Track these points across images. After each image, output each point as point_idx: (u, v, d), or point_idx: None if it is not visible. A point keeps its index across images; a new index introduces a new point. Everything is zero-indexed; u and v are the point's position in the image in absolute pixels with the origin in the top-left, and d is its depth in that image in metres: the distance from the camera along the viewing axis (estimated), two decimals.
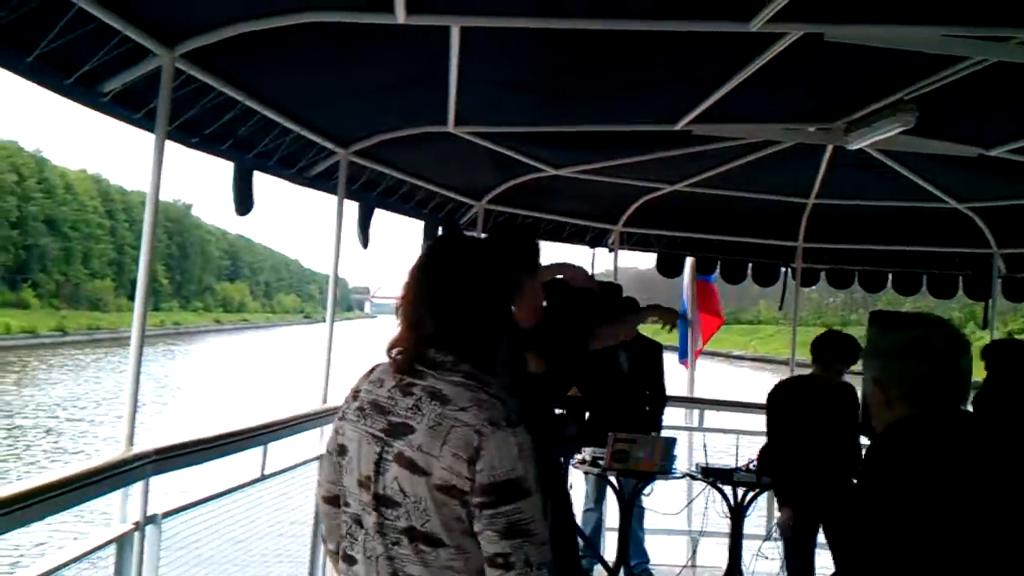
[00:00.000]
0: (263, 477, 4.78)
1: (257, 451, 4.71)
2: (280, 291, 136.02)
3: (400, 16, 3.45)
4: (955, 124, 5.33)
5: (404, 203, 6.81)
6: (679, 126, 5.46)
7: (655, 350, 7.50)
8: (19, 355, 47.44)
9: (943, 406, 2.25)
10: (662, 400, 7.53)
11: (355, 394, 2.28)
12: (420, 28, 3.75)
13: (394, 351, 2.21)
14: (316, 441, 5.57)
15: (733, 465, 6.77)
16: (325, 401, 5.63)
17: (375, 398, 2.20)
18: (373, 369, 2.31)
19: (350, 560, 2.21)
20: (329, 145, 5.43)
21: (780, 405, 5.89)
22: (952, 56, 4.11)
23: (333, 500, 2.31)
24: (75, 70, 3.40)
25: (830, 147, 6.26)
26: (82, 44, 3.32)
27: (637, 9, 3.61)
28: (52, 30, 3.16)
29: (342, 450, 2.24)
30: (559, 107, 5.40)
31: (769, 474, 6.02)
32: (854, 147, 5.53)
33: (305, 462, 5.30)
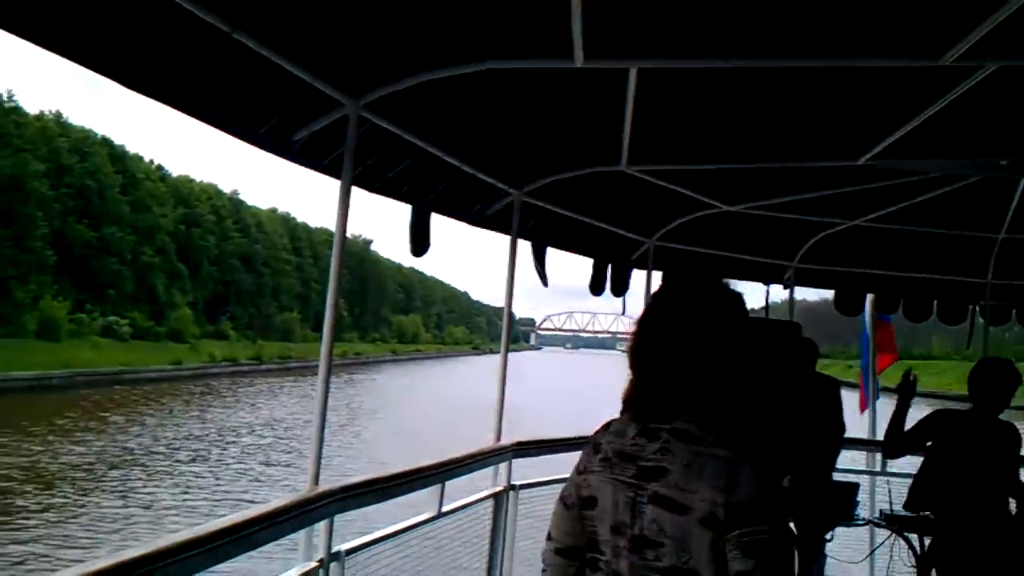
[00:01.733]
0: (440, 515, 4.86)
1: (435, 489, 4.79)
2: (450, 323, 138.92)
3: (579, 60, 3.47)
4: None
5: (575, 241, 6.83)
6: (862, 161, 5.29)
7: (833, 387, 7.29)
8: (222, 380, 52.39)
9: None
10: (840, 437, 7.31)
11: (596, 447, 2.35)
12: (596, 71, 3.77)
13: (630, 400, 2.33)
14: (490, 479, 5.63)
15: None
16: (499, 439, 5.68)
17: (620, 447, 2.28)
18: (609, 424, 2.39)
19: None
20: (503, 187, 5.51)
21: (936, 433, 5.49)
22: None
23: (567, 552, 2.40)
24: (266, 121, 3.56)
25: (1023, 181, 5.94)
26: (273, 96, 3.48)
27: (823, 48, 3.53)
28: (246, 83, 3.32)
29: (589, 502, 2.32)
30: (736, 144, 5.32)
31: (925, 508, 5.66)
32: None
33: (478, 500, 5.38)
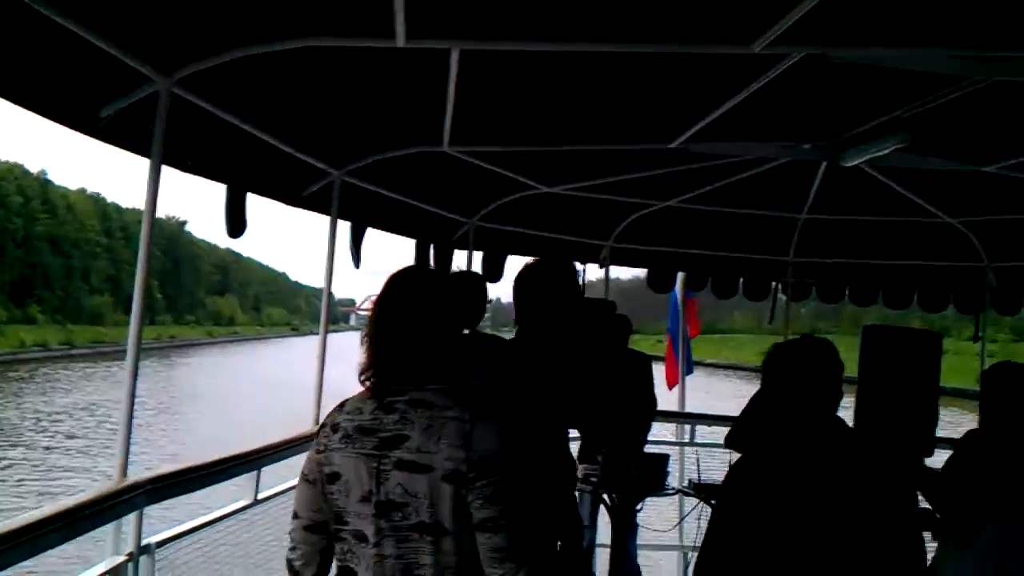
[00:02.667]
0: (256, 502, 4.73)
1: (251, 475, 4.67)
2: (269, 304, 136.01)
3: (400, 40, 3.41)
4: (950, 141, 5.33)
5: (397, 222, 6.77)
6: (675, 144, 5.45)
7: (645, 363, 7.51)
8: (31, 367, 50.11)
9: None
10: (652, 412, 7.56)
11: (334, 427, 2.51)
12: (418, 51, 3.72)
13: (363, 377, 2.53)
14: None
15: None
16: (317, 423, 5.58)
17: (359, 424, 2.46)
18: (343, 404, 2.57)
19: (349, 573, 2.48)
20: (323, 166, 5.40)
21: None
22: (950, 75, 4.10)
23: (315, 527, 2.55)
24: (71, 97, 3.35)
25: (824, 164, 6.25)
26: (78, 71, 3.28)
27: (639, 33, 3.59)
28: (48, 57, 3.12)
29: (332, 478, 2.48)
30: (555, 127, 5.37)
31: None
32: (849, 164, 5.53)
33: (292, 487, 5.25)
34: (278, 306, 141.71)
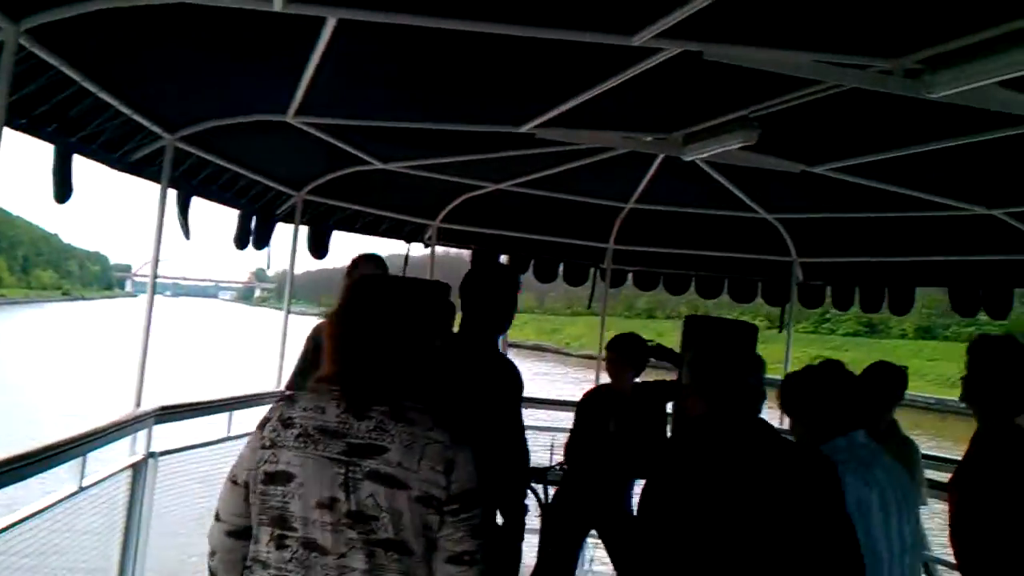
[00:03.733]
0: (81, 490, 4.41)
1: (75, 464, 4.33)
2: (38, 266, 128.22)
3: (278, 4, 3.22)
4: (786, 142, 5.54)
5: (223, 192, 6.46)
6: (523, 129, 5.43)
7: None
8: None
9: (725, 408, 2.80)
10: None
11: (286, 422, 2.37)
12: (285, 17, 3.52)
13: (325, 380, 2.43)
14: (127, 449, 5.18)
15: (546, 463, 6.84)
16: (139, 404, 5.25)
17: (323, 424, 2.34)
18: (291, 399, 2.45)
19: None
20: (156, 129, 5.07)
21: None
22: (800, 79, 4.24)
23: (239, 533, 2.41)
24: None
25: (661, 156, 6.38)
26: None
27: (524, 15, 3.52)
28: None
29: (280, 478, 2.32)
30: (410, 103, 5.24)
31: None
32: (689, 158, 5.66)
33: (113, 474, 4.93)
34: (48, 269, 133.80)
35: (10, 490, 3.64)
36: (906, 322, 45.58)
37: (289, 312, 7.66)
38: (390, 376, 2.40)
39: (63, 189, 4.49)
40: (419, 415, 2.36)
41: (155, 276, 5.60)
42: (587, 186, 7.51)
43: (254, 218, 7.08)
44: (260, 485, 2.36)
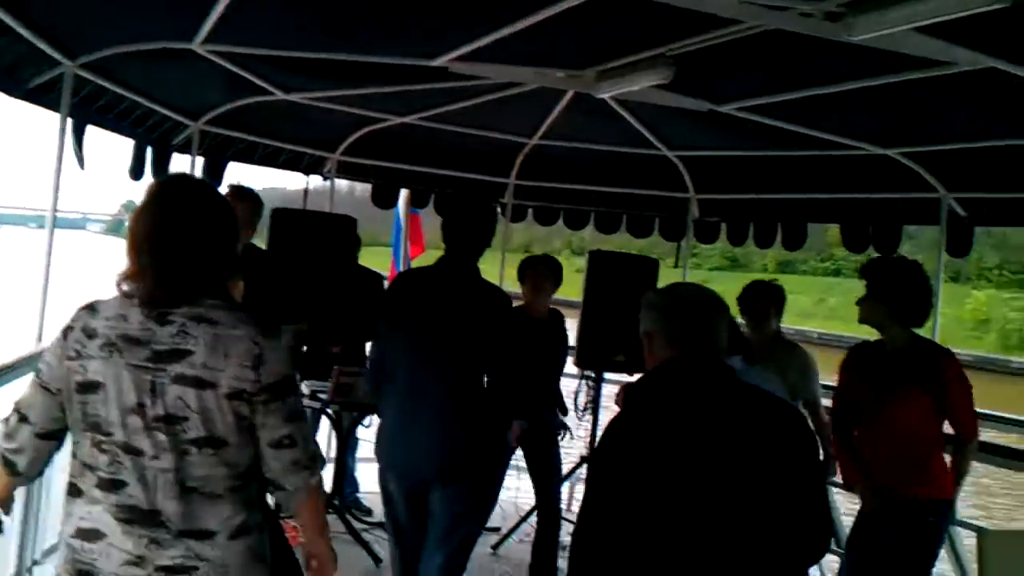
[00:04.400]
0: None
1: None
2: None
3: None
4: (697, 81, 5.59)
5: (120, 121, 6.21)
6: (437, 62, 5.36)
7: (377, 280, 7.49)
8: None
9: (697, 353, 2.67)
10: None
11: (89, 333, 2.44)
12: None
13: (128, 285, 2.46)
14: None
15: None
16: (40, 340, 5.08)
17: (125, 332, 2.42)
18: (92, 306, 2.50)
19: (116, 484, 2.41)
20: (56, 55, 4.83)
21: None
22: (719, 19, 4.28)
23: (49, 435, 2.53)
24: None
25: (571, 92, 6.38)
26: None
27: None
28: None
29: (90, 387, 2.42)
30: (319, 34, 5.12)
31: None
32: (601, 95, 5.69)
33: None
34: None
35: None
36: (767, 257, 47.45)
37: None
38: (189, 278, 2.46)
39: None
40: (223, 314, 2.46)
41: (55, 209, 5.37)
42: (492, 121, 7.47)
43: (149, 148, 6.85)
44: (75, 395, 2.45)
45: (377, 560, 6.47)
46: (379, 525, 7.02)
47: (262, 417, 2.47)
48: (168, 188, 2.60)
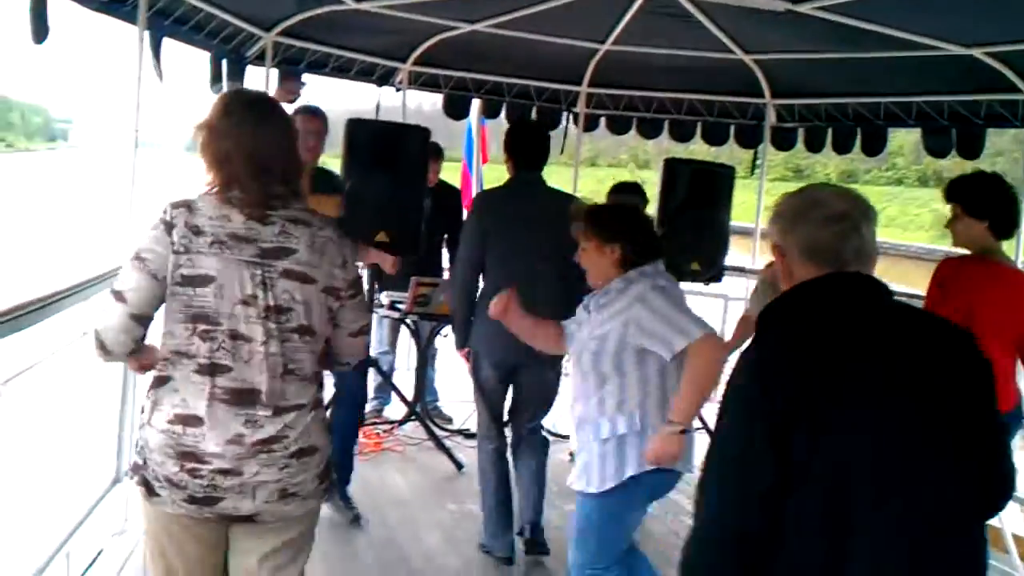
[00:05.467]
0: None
1: None
2: None
3: None
4: None
5: (194, 33, 6.27)
6: None
7: (455, 195, 7.53)
8: None
9: (842, 270, 2.21)
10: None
11: (195, 230, 2.65)
12: None
13: (222, 191, 2.70)
14: None
15: None
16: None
17: (232, 231, 2.66)
18: (189, 205, 2.69)
19: (219, 369, 2.66)
20: None
21: None
22: None
23: (141, 319, 2.69)
24: None
25: None
26: None
27: None
28: None
29: (200, 280, 2.63)
30: None
31: None
32: None
33: None
34: None
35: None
36: (830, 167, 46.85)
37: None
38: (285, 183, 2.75)
39: (41, 28, 4.35)
40: (313, 217, 2.79)
41: (137, 127, 5.45)
42: (563, 27, 7.37)
43: (224, 61, 6.91)
44: (179, 287, 2.65)
45: (459, 465, 6.64)
46: (460, 432, 7.22)
47: (348, 311, 2.87)
48: (245, 101, 2.82)
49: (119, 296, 2.67)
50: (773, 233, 2.32)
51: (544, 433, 5.39)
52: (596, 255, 3.79)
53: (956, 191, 4.36)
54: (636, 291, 3.66)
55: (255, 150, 2.70)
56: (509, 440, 5.28)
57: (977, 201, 4.25)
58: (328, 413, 3.82)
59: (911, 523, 2.00)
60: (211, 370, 2.66)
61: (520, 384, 5.18)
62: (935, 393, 2.09)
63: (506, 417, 5.33)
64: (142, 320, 2.69)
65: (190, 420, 2.67)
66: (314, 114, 5.60)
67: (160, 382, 2.72)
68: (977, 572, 2.11)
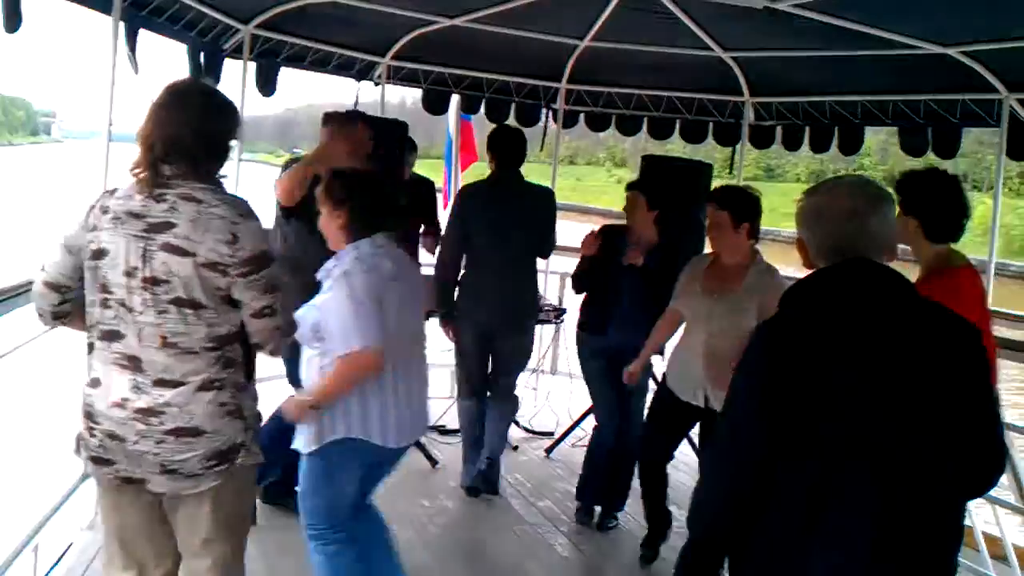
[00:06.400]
0: None
1: None
2: None
3: None
4: None
5: (171, 24, 6.22)
6: None
7: (430, 188, 7.49)
8: None
9: (856, 259, 2.36)
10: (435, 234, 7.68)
11: (103, 209, 2.87)
12: None
13: (136, 171, 2.86)
14: None
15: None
16: None
17: (128, 208, 2.84)
18: (113, 191, 2.93)
19: (114, 335, 2.86)
20: None
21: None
22: None
23: (56, 287, 2.96)
24: None
25: None
26: None
27: None
28: None
29: (100, 254, 2.84)
30: None
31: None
32: None
33: None
34: None
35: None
36: (800, 167, 48.92)
37: (240, 158, 7.46)
38: (181, 164, 2.84)
39: (14, 17, 4.30)
40: (209, 195, 2.84)
41: (111, 119, 5.42)
42: (543, 22, 7.37)
43: (202, 54, 6.87)
44: (90, 260, 2.87)
45: (433, 462, 6.63)
46: (434, 429, 7.20)
47: (240, 291, 2.88)
48: (168, 90, 2.94)
49: (41, 268, 2.97)
50: (799, 231, 2.52)
51: (516, 394, 6.36)
52: (327, 219, 3.86)
53: (898, 185, 4.16)
54: (339, 271, 3.73)
55: (155, 133, 2.85)
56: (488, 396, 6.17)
57: (911, 197, 4.08)
58: None
59: (891, 497, 2.18)
60: (110, 336, 2.87)
61: (496, 349, 6.06)
62: (929, 375, 2.25)
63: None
64: (57, 288, 2.95)
65: (94, 382, 2.92)
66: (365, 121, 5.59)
67: (88, 349, 2.96)
68: (949, 548, 2.32)
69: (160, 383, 2.85)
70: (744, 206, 4.91)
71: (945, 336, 2.33)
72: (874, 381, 2.21)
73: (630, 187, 5.87)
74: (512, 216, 5.86)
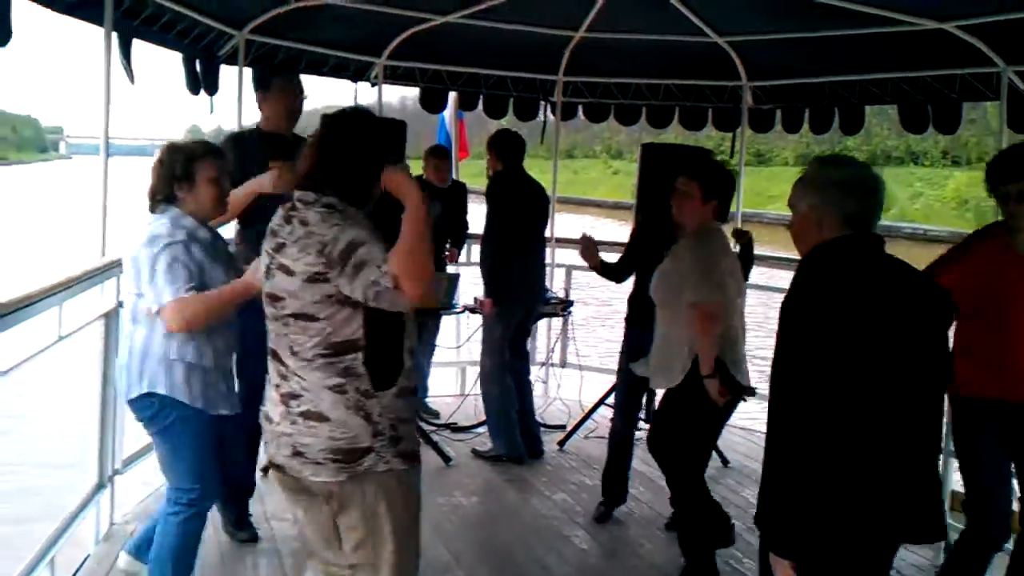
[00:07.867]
0: (60, 339, 4.42)
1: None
2: None
3: None
4: None
5: (164, 33, 6.22)
6: None
7: (465, 194, 7.72)
8: None
9: (867, 230, 2.81)
10: (464, 236, 8.23)
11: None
12: None
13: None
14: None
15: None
16: (104, 254, 5.19)
17: (273, 227, 3.13)
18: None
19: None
20: None
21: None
22: None
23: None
24: None
25: None
26: None
27: None
28: None
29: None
30: None
31: None
32: None
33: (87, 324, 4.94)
34: None
35: None
36: (787, 151, 49.98)
37: None
38: (309, 187, 3.05)
39: (4, 30, 4.29)
40: (321, 216, 2.98)
41: (107, 131, 5.43)
42: (536, 15, 7.36)
43: (198, 62, 6.86)
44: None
45: (447, 459, 6.65)
46: (447, 427, 7.23)
47: (341, 284, 2.93)
48: (327, 119, 3.18)
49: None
50: (809, 197, 2.86)
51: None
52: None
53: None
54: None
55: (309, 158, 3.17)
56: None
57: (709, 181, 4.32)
58: None
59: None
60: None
61: (523, 324, 7.10)
62: (925, 326, 2.76)
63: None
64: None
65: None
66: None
67: None
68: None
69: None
70: (716, 182, 4.82)
71: (935, 292, 2.85)
72: (898, 327, 2.69)
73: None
74: (538, 207, 6.90)
